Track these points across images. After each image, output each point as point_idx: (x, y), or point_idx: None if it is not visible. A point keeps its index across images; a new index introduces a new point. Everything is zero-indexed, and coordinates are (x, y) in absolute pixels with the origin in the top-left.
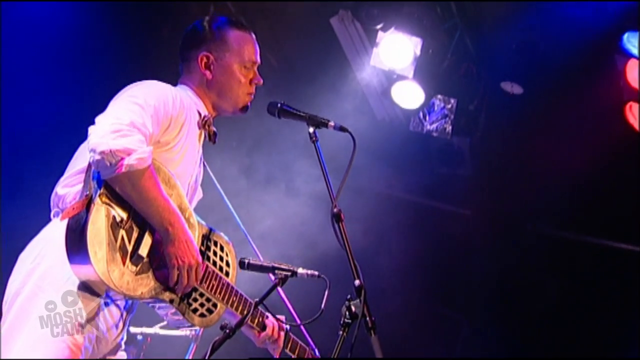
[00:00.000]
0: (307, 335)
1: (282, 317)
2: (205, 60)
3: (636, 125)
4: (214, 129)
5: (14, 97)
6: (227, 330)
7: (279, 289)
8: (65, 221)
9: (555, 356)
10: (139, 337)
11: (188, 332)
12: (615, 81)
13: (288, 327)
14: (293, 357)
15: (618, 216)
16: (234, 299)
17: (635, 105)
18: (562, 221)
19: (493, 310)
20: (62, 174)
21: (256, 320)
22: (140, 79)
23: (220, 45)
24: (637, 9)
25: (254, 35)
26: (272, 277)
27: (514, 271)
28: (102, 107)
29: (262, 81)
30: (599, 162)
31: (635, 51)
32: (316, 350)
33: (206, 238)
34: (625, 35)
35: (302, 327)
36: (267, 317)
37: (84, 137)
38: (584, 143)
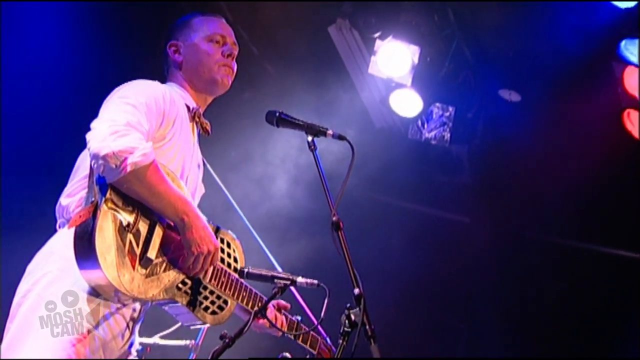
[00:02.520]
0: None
1: (283, 302)
2: (174, 47)
3: (635, 132)
4: (206, 121)
5: (15, 104)
6: (227, 340)
7: (293, 289)
8: (73, 230)
9: None
10: (138, 347)
11: (187, 342)
12: (613, 88)
13: (288, 305)
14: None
15: (617, 223)
16: (244, 294)
17: (633, 112)
18: (561, 228)
19: (492, 317)
20: (64, 183)
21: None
22: None
23: (185, 31)
24: (638, 16)
25: (223, 20)
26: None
27: (513, 278)
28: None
29: (235, 51)
30: (597, 169)
31: (633, 58)
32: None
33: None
34: (623, 42)
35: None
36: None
37: (83, 145)
38: (582, 150)
